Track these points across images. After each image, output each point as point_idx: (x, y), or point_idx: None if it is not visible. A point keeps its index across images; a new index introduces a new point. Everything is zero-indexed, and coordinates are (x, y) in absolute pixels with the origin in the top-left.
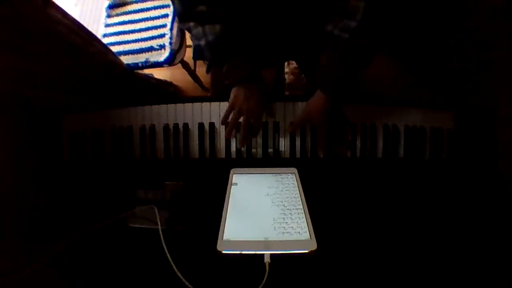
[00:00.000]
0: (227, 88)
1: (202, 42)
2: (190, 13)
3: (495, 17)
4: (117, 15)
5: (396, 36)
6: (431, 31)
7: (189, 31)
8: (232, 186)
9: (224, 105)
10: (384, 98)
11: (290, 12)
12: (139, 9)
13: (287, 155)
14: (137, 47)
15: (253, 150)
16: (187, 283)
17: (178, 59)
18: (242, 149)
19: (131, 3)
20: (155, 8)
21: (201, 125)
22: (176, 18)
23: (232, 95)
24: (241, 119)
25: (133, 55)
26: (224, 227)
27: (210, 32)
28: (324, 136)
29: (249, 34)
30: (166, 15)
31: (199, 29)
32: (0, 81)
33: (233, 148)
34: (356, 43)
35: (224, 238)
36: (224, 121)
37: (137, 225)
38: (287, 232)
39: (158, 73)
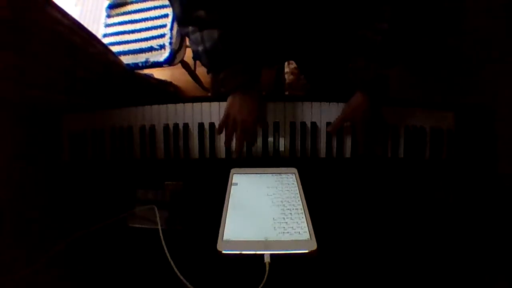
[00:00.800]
0: (224, 93)
1: (200, 48)
2: (189, 17)
3: (495, 17)
4: (117, 15)
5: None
6: (431, 31)
7: (188, 36)
8: (232, 186)
9: (224, 105)
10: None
11: (291, 13)
12: (139, 9)
13: (287, 155)
14: (137, 47)
15: (253, 150)
16: (187, 283)
17: (178, 59)
18: (242, 149)
19: (131, 3)
20: (155, 8)
21: (201, 125)
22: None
23: (227, 103)
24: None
25: (133, 55)
26: (224, 227)
27: (208, 38)
28: (365, 133)
29: (248, 36)
30: (166, 15)
31: (197, 34)
32: (0, 81)
33: (233, 148)
34: (389, 43)
35: (224, 238)
36: (220, 130)
37: (137, 225)
38: (287, 232)
39: (158, 73)
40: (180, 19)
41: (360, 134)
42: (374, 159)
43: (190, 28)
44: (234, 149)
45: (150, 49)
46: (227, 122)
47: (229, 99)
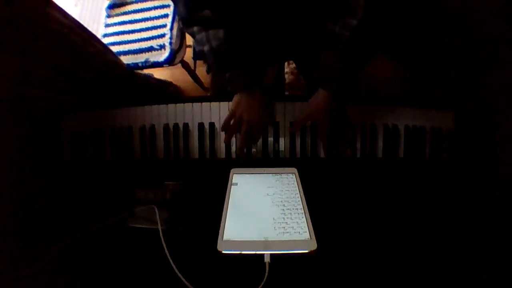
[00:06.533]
0: (227, 90)
1: (206, 48)
2: (194, 17)
3: (495, 17)
4: (117, 15)
5: (396, 36)
6: (431, 31)
7: (193, 36)
8: (232, 186)
9: (224, 105)
10: (384, 98)
11: (291, 13)
12: (139, 9)
13: (287, 155)
14: (137, 47)
15: (253, 150)
16: (187, 283)
17: (178, 59)
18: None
19: (131, 3)
20: (155, 8)
21: (201, 125)
22: (177, 19)
23: (233, 102)
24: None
25: (133, 55)
26: (224, 227)
27: (213, 38)
28: (326, 134)
29: (252, 37)
30: (166, 15)
31: (203, 34)
32: (0, 81)
33: (233, 148)
34: (356, 41)
35: (224, 238)
36: (224, 128)
37: (137, 225)
38: (287, 232)
39: (158, 73)
40: (185, 20)
41: (321, 135)
42: (373, 159)
43: (195, 28)
44: (236, 148)
45: (150, 49)
46: (232, 120)
47: (236, 97)
